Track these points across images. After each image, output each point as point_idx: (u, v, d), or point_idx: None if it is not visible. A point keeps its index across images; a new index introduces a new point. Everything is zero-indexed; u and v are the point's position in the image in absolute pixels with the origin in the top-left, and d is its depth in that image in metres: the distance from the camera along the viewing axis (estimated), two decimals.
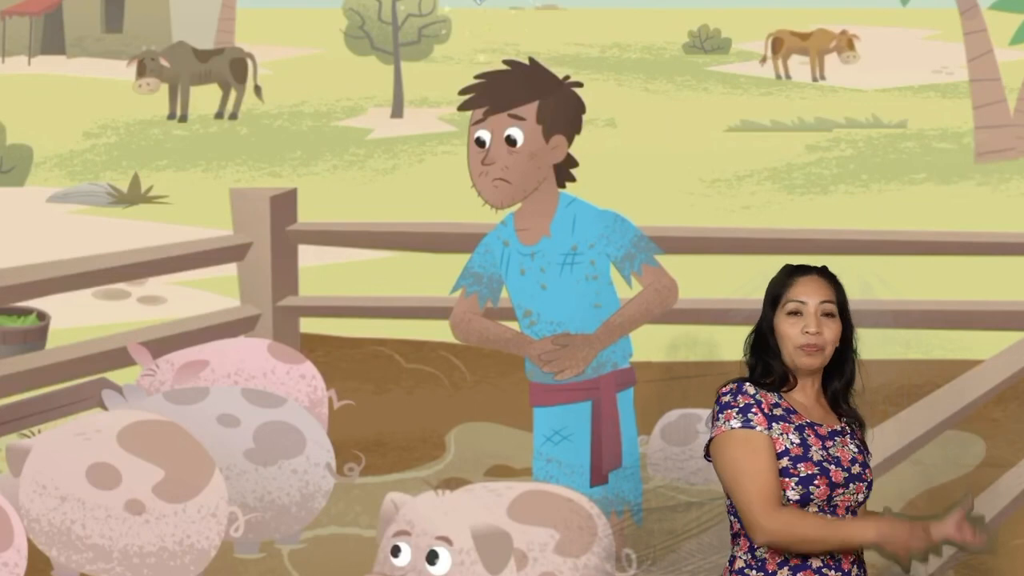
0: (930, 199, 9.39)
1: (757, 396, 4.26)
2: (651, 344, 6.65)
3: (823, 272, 4.39)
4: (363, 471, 6.56)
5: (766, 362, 4.34)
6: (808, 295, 4.31)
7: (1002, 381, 7.93)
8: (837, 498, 4.26)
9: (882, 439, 6.13)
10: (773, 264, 4.50)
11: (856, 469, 4.30)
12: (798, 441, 4.25)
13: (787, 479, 4.22)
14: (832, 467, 4.25)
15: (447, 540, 5.31)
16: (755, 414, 4.22)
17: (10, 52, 10.21)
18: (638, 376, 6.20)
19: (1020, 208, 9.20)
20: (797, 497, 4.22)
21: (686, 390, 7.00)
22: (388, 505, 5.48)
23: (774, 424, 4.24)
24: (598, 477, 6.08)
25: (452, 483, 6.05)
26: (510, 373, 6.77)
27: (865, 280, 7.29)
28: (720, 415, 4.25)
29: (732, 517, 4.35)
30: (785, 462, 4.23)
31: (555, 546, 5.52)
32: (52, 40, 10.47)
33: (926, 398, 7.45)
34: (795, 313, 4.31)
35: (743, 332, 4.43)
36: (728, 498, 4.33)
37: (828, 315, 4.31)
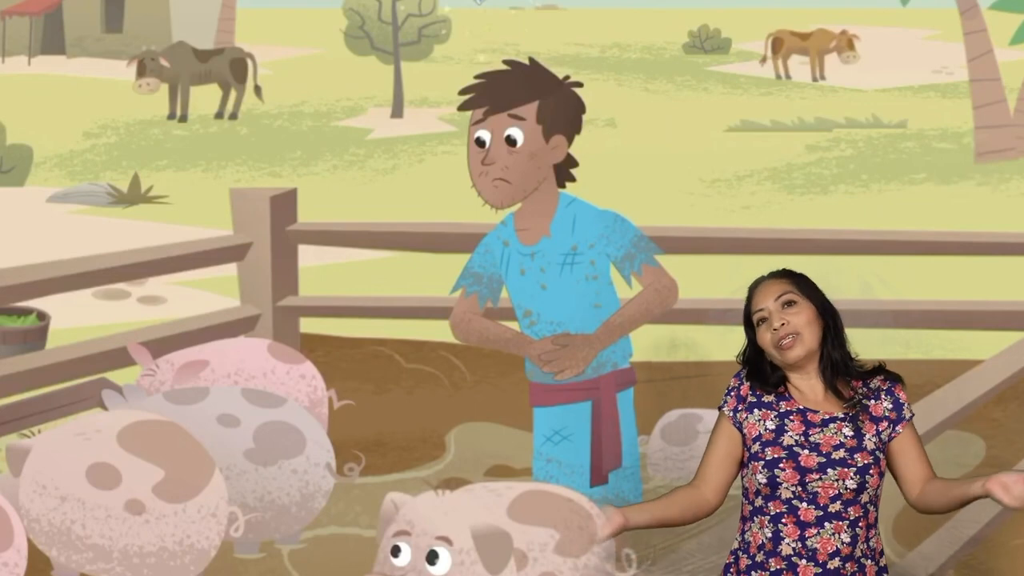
0: (930, 199, 9.41)
1: (745, 380, 4.45)
2: (651, 344, 6.65)
3: (775, 274, 4.47)
4: (363, 471, 6.55)
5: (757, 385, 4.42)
6: (764, 300, 4.43)
7: (1002, 381, 7.93)
8: (812, 484, 4.29)
9: None
10: (773, 264, 4.51)
11: (840, 455, 4.32)
12: (773, 427, 4.36)
13: (756, 463, 4.34)
14: (804, 452, 4.30)
15: (447, 540, 5.31)
16: (731, 398, 4.45)
17: (10, 52, 10.21)
18: (638, 376, 6.19)
19: (1020, 208, 9.21)
20: (765, 480, 4.32)
21: (686, 390, 7.01)
22: (388, 505, 5.47)
23: (755, 410, 4.39)
24: (598, 477, 6.07)
25: (452, 483, 6.04)
26: (510, 373, 6.77)
27: (865, 280, 7.31)
28: None
29: (744, 499, 4.40)
30: (756, 447, 4.36)
31: (555, 546, 5.51)
32: (52, 40, 10.47)
33: (926, 398, 7.45)
34: (763, 320, 4.39)
35: (743, 332, 4.45)
36: (742, 479, 4.39)
37: (789, 303, 4.37)
